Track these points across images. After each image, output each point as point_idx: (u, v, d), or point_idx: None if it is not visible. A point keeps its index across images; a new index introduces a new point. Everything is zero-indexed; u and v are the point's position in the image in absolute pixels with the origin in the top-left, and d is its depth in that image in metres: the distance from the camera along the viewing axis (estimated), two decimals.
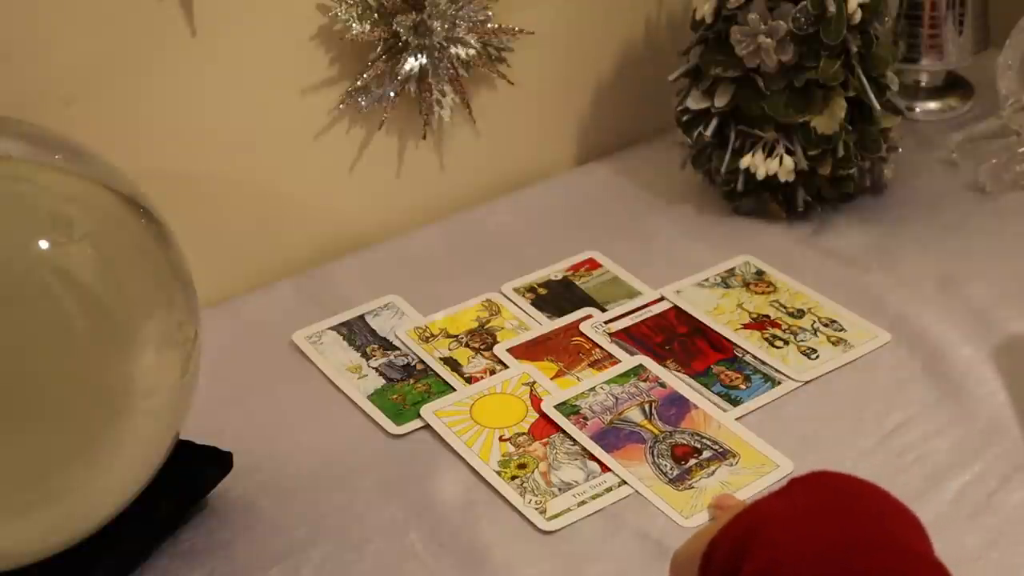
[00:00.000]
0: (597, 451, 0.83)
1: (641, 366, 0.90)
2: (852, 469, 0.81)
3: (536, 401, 0.88)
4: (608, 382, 0.89)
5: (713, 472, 0.81)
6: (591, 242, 1.05)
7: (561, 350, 0.93)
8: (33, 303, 0.66)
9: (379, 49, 1.01)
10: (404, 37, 1.00)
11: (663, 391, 0.88)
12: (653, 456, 0.83)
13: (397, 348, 0.94)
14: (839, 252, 1.02)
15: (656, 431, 0.85)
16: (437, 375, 0.91)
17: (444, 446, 0.85)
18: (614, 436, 0.84)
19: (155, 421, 0.72)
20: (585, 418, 0.86)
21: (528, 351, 0.93)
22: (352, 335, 0.96)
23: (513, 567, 0.76)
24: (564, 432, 0.85)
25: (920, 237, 1.03)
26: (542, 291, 1.00)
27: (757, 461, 0.82)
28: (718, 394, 0.88)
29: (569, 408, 0.87)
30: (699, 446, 0.83)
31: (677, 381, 0.89)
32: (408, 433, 0.87)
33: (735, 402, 0.87)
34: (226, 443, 0.82)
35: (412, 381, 0.91)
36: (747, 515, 0.61)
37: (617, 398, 0.88)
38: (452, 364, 0.92)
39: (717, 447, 0.83)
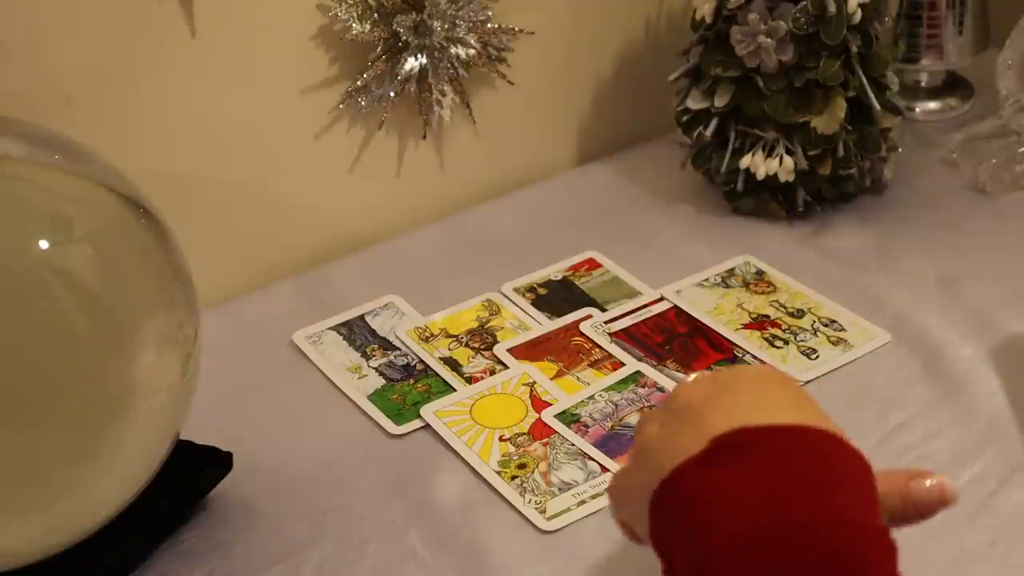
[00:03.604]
0: (601, 457, 0.83)
1: (639, 372, 0.90)
2: None
3: (536, 401, 0.88)
4: (606, 389, 0.89)
5: None
6: (591, 242, 1.05)
7: (561, 350, 0.93)
8: (33, 303, 0.66)
9: (379, 49, 1.01)
10: (404, 37, 1.00)
11: (662, 396, 0.88)
12: None
13: (397, 348, 0.94)
14: (839, 252, 1.02)
15: None
16: (437, 375, 0.91)
17: (444, 446, 0.85)
18: (616, 442, 0.84)
19: (155, 421, 0.72)
20: (586, 426, 0.86)
21: (528, 351, 0.93)
22: (352, 335, 0.96)
23: (513, 567, 0.76)
24: (564, 437, 0.85)
25: (920, 237, 1.03)
26: (542, 291, 1.00)
27: None
28: None
29: (569, 417, 0.87)
30: None
31: (676, 384, 0.89)
32: (408, 433, 0.87)
33: None
34: (226, 443, 0.82)
35: (412, 381, 0.91)
36: (674, 485, 0.57)
37: (616, 405, 0.87)
38: (452, 364, 0.92)
39: None
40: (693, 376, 0.64)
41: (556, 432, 0.85)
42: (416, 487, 0.82)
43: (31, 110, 0.77)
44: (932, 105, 1.21)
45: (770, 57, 0.99)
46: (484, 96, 1.09)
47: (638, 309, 0.97)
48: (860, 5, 0.98)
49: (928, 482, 0.61)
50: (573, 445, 0.84)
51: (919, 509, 0.61)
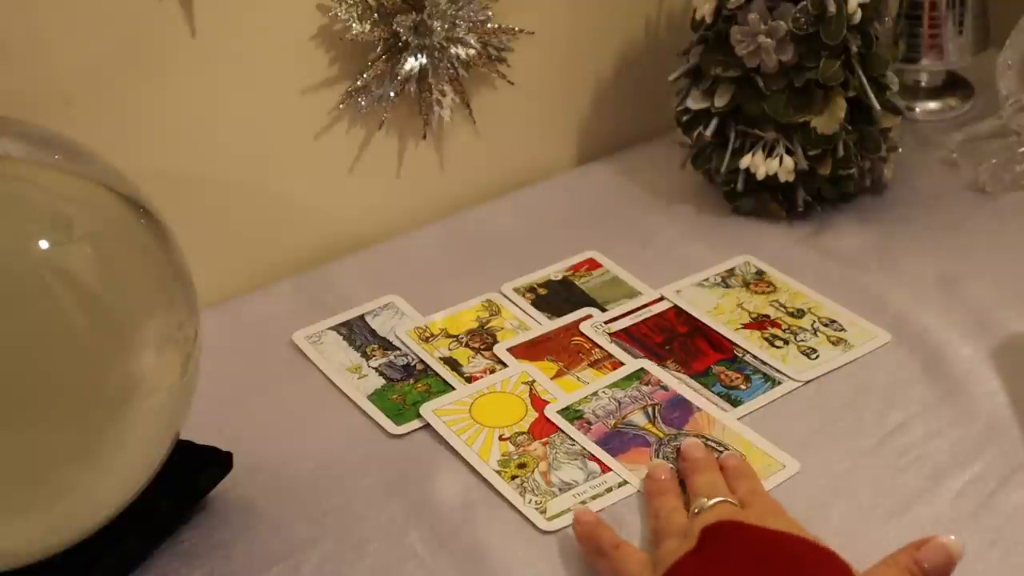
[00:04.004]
0: (603, 456, 0.83)
1: (643, 370, 0.90)
2: (852, 469, 0.82)
3: (536, 401, 0.88)
4: (610, 386, 0.89)
5: None
6: (591, 242, 1.05)
7: (561, 350, 0.93)
8: (33, 303, 0.66)
9: (379, 49, 1.01)
10: (404, 37, 1.00)
11: (665, 394, 0.88)
12: (660, 458, 0.82)
13: (397, 348, 0.94)
14: (839, 252, 1.02)
15: (661, 434, 0.85)
16: (437, 375, 0.91)
17: (444, 446, 0.85)
18: (619, 440, 0.84)
19: (155, 421, 0.72)
20: (589, 423, 0.86)
21: (528, 351, 0.93)
22: (352, 335, 0.96)
23: (513, 567, 0.76)
24: (566, 433, 0.85)
25: (920, 237, 1.03)
26: (542, 291, 1.00)
27: (763, 462, 0.81)
28: (718, 394, 0.88)
29: (572, 413, 0.87)
30: None
31: (679, 384, 0.89)
32: (408, 433, 0.87)
33: (735, 402, 0.87)
34: (226, 443, 0.82)
35: (412, 381, 0.91)
36: None
37: (620, 402, 0.87)
38: (452, 364, 0.92)
39: (723, 449, 0.83)
40: (714, 502, 0.70)
41: (557, 430, 0.85)
42: (416, 487, 0.82)
43: (31, 110, 0.77)
44: (932, 105, 1.21)
45: (770, 57, 0.99)
46: (484, 96, 1.09)
47: (638, 309, 0.97)
48: (860, 5, 0.98)
49: (932, 544, 0.66)
50: (574, 444, 0.84)
51: (932, 575, 0.66)
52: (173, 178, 0.94)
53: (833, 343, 0.92)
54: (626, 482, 0.81)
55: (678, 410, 0.86)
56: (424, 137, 1.07)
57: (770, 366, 0.90)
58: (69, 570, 0.73)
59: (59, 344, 0.67)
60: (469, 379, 0.91)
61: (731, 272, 1.00)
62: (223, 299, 1.00)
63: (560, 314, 0.97)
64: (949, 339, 0.91)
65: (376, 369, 0.92)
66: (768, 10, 0.99)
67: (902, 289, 0.97)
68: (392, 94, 1.02)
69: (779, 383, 0.89)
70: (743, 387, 0.88)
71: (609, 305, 0.98)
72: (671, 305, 0.97)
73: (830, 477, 0.80)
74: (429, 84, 1.03)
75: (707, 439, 0.84)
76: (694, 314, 0.96)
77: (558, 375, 0.91)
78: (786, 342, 0.93)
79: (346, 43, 1.00)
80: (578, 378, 0.90)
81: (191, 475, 0.80)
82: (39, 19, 0.87)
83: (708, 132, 1.04)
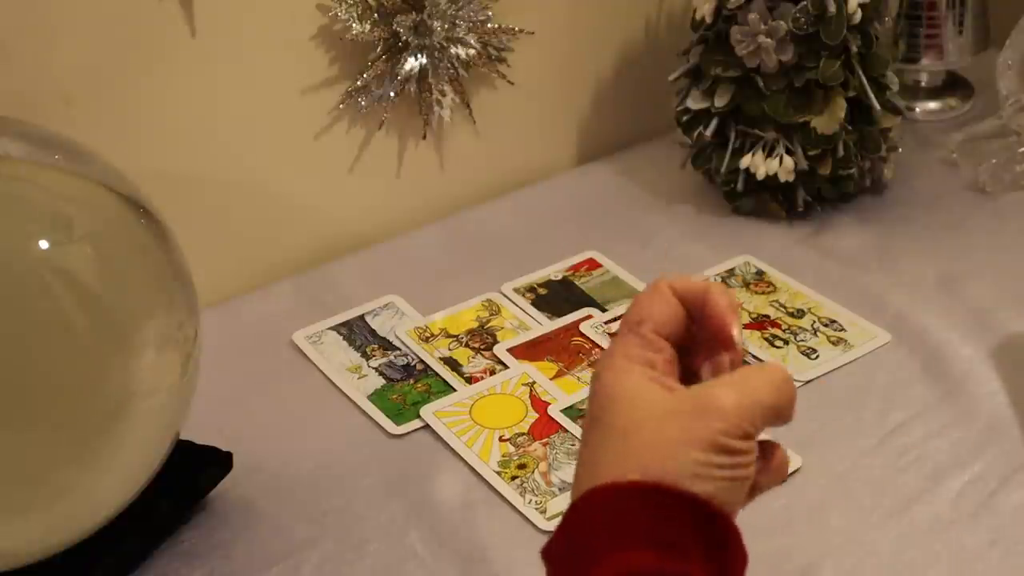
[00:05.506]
0: None
1: None
2: (852, 469, 0.82)
3: (536, 402, 0.88)
4: None
5: None
6: (591, 242, 1.05)
7: (561, 350, 0.93)
8: (33, 303, 0.66)
9: (379, 49, 1.01)
10: (404, 37, 1.00)
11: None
12: None
13: (397, 348, 0.94)
14: (839, 252, 1.02)
15: None
16: (437, 375, 0.91)
17: (444, 446, 0.85)
18: None
19: (155, 421, 0.72)
20: None
21: (528, 351, 0.93)
22: (352, 335, 0.96)
23: (513, 567, 0.76)
24: (565, 431, 0.85)
25: (920, 237, 1.03)
26: (542, 291, 1.00)
27: None
28: None
29: (576, 412, 0.87)
30: None
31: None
32: (408, 433, 0.87)
33: None
34: (226, 443, 0.82)
35: (412, 381, 0.91)
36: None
37: None
38: (452, 364, 0.92)
39: None
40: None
41: (558, 430, 0.85)
42: (416, 487, 0.82)
43: (31, 110, 0.77)
44: (932, 105, 1.21)
45: (770, 57, 0.99)
46: (484, 96, 1.09)
47: None
48: (860, 5, 0.98)
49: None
50: (574, 444, 0.84)
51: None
52: (173, 178, 0.94)
53: (833, 343, 0.92)
54: None
55: None
56: (424, 137, 1.07)
57: None
58: (69, 570, 0.73)
59: (59, 344, 0.67)
60: (469, 379, 0.91)
61: (731, 272, 1.00)
62: (223, 299, 1.00)
63: (560, 314, 0.97)
64: (949, 339, 0.91)
65: (376, 369, 0.92)
66: (768, 10, 0.99)
67: (902, 289, 0.97)
68: (392, 94, 1.02)
69: None
70: None
71: (609, 305, 0.98)
72: None
73: (830, 477, 0.80)
74: (429, 84, 1.03)
75: None
76: None
77: (558, 375, 0.91)
78: (786, 342, 0.93)
79: (346, 43, 1.00)
80: (578, 379, 0.90)
81: (191, 475, 0.80)
82: (39, 19, 0.87)
83: (708, 132, 1.04)
